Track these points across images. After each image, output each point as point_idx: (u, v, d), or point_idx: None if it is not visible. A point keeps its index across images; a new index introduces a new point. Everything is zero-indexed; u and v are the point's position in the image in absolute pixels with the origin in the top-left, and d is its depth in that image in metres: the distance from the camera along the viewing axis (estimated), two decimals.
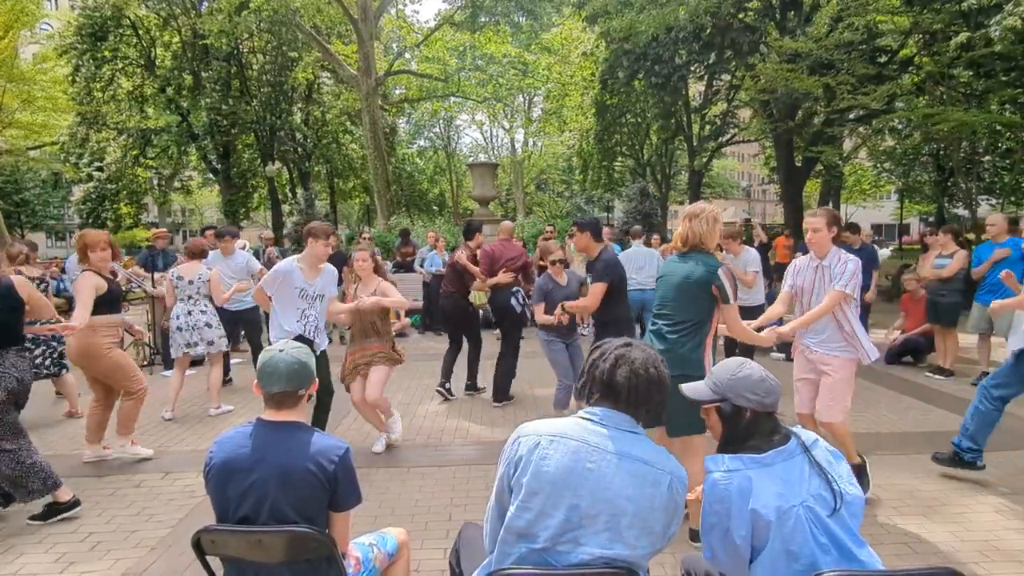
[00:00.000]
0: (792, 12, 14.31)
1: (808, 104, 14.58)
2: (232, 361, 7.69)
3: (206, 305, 5.55)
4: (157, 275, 7.38)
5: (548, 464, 1.54)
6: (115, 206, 25.98)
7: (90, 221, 25.20)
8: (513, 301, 5.67)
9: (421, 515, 3.48)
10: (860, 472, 3.52)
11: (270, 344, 2.01)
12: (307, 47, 21.91)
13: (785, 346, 6.26)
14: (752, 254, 6.15)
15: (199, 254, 5.66)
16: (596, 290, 4.12)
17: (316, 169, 28.42)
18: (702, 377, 3.00)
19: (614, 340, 1.69)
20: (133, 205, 27.15)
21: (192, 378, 6.38)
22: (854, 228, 7.38)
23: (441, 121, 34.50)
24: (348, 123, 27.18)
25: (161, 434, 5.03)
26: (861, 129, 16.80)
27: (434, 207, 35.93)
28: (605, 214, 30.00)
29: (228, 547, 1.77)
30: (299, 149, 26.00)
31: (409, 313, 10.15)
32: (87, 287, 3.87)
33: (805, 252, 3.73)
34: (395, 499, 3.70)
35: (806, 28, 12.51)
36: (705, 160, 22.12)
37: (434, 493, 3.79)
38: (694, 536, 3.09)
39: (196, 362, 6.30)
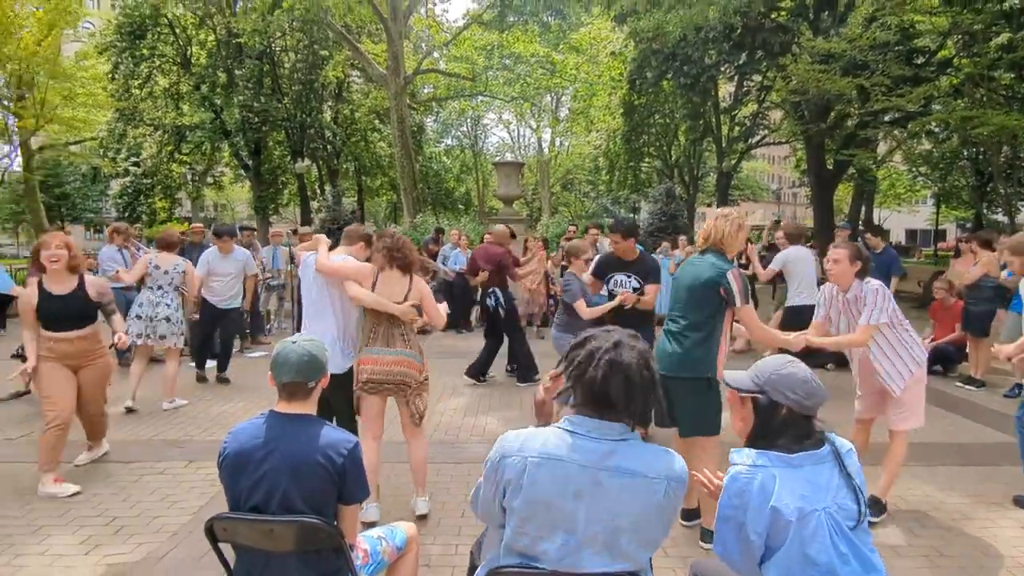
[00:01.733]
0: (826, 12, 14.03)
1: (841, 106, 14.28)
2: (254, 355, 7.87)
3: (172, 299, 5.56)
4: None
5: (538, 491, 1.49)
6: (150, 200, 26.66)
7: (126, 214, 25.93)
8: (489, 300, 6.52)
9: (435, 511, 3.51)
10: (877, 504, 3.39)
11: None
12: (337, 46, 22.19)
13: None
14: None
15: (170, 246, 5.67)
16: (653, 290, 4.38)
17: (345, 166, 28.76)
18: (712, 379, 2.99)
19: (599, 338, 1.58)
20: (167, 199, 27.82)
21: (212, 370, 6.53)
22: (876, 231, 7.24)
23: (468, 120, 34.63)
24: (377, 121, 27.45)
25: (186, 423, 5.16)
26: (896, 132, 16.40)
27: (460, 205, 36.07)
28: (631, 215, 29.78)
29: (239, 535, 1.82)
30: (328, 146, 26.35)
31: None
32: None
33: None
34: (408, 495, 3.74)
35: (840, 28, 12.25)
36: (734, 162, 21.81)
37: (449, 489, 3.83)
38: (706, 536, 3.06)
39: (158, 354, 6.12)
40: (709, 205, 31.91)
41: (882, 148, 20.00)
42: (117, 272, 6.18)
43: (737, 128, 21.25)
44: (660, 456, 1.54)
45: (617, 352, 1.52)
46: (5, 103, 17.38)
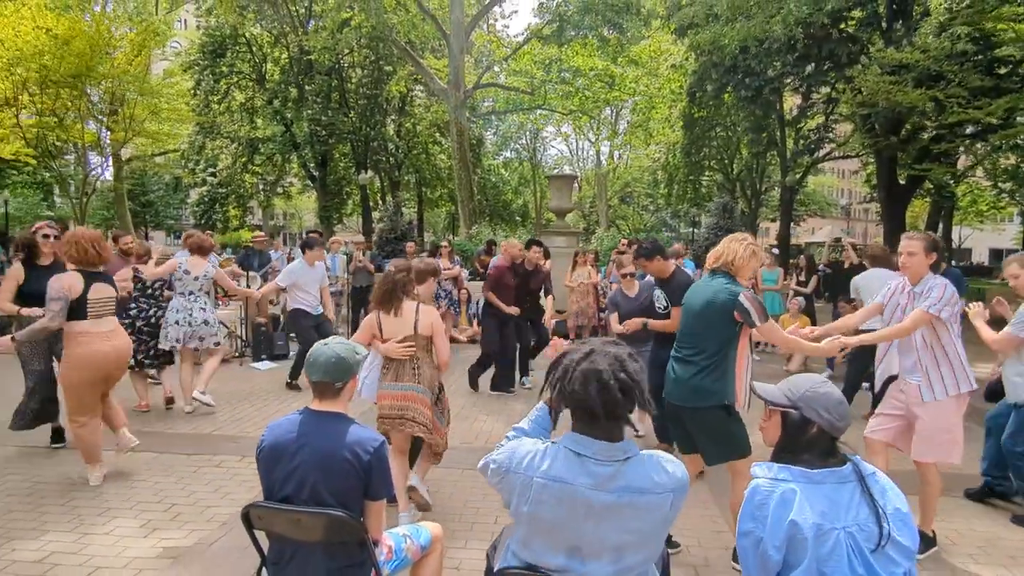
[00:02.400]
0: (899, 21, 13.46)
1: (914, 119, 13.63)
2: None
3: (205, 303, 5.60)
4: (251, 273, 8.01)
5: (544, 511, 1.52)
6: (224, 208, 28.26)
7: (202, 221, 27.60)
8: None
9: (469, 516, 3.59)
10: (924, 538, 3.18)
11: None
12: (401, 61, 22.94)
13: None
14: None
15: (203, 251, 5.67)
16: (677, 313, 4.19)
17: (406, 178, 29.60)
18: (727, 406, 2.91)
19: (572, 352, 1.61)
20: (240, 208, 29.40)
21: (273, 372, 6.84)
22: (945, 249, 6.84)
23: (527, 133, 34.96)
24: (437, 134, 28.15)
25: (243, 422, 5.44)
26: (978, 145, 15.48)
27: (517, 217, 36.39)
28: (691, 229, 29.23)
29: (272, 524, 1.94)
30: (390, 159, 27.20)
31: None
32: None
33: None
34: (446, 498, 3.82)
35: (912, 38, 11.74)
36: (798, 176, 21.09)
37: (485, 495, 3.89)
38: (736, 557, 3.00)
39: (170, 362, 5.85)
40: (773, 220, 30.94)
41: (963, 162, 18.91)
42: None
43: (802, 141, 20.58)
44: (665, 470, 1.57)
45: (589, 360, 1.54)
46: (99, 118, 18.84)
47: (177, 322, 5.42)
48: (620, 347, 1.61)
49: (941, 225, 22.02)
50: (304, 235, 7.56)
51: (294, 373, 6.50)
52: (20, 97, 15.50)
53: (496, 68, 25.07)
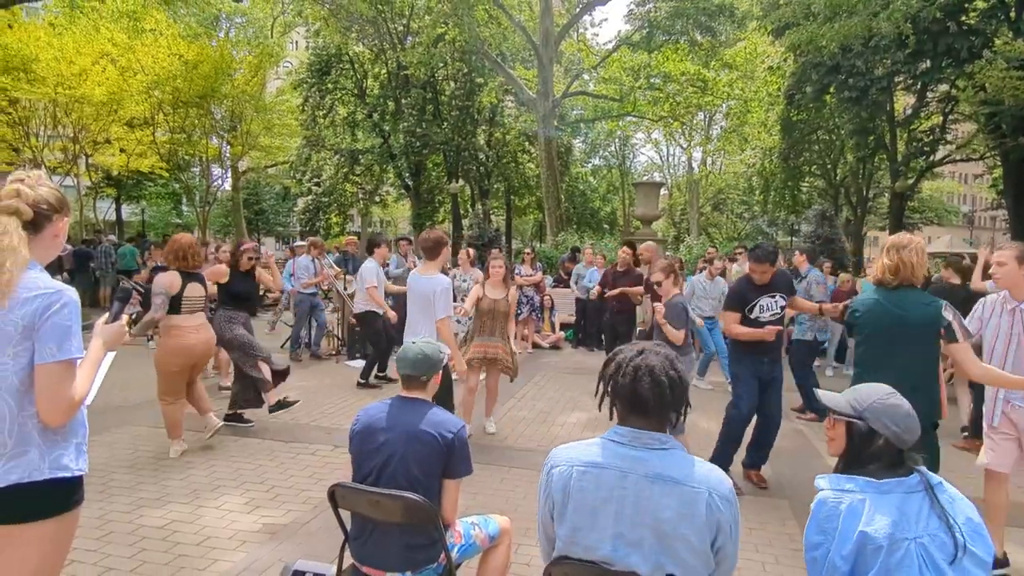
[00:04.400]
0: None
1: None
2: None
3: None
4: (348, 277, 8.56)
5: (585, 497, 1.58)
6: (327, 216, 30.09)
7: (308, 228, 29.55)
8: None
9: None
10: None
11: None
12: (492, 73, 23.52)
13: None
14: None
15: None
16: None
17: (495, 186, 30.22)
18: (937, 424, 2.82)
19: (625, 350, 1.67)
20: (341, 216, 31.20)
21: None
22: None
23: (616, 140, 34.68)
24: (527, 143, 28.57)
25: (337, 414, 5.84)
26: None
27: (605, 225, 36.14)
28: (790, 238, 27.80)
29: (354, 504, 2.15)
30: (480, 168, 27.89)
31: (564, 327, 10.46)
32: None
33: None
34: (520, 498, 3.95)
35: None
36: (911, 181, 19.54)
37: None
38: None
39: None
40: (882, 229, 28.79)
41: None
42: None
43: (915, 144, 19.07)
44: (701, 468, 1.59)
45: (643, 358, 1.61)
46: (221, 134, 20.70)
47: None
48: (665, 347, 1.67)
49: None
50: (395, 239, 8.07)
51: (366, 373, 6.95)
52: (156, 117, 17.37)
53: (585, 76, 25.13)
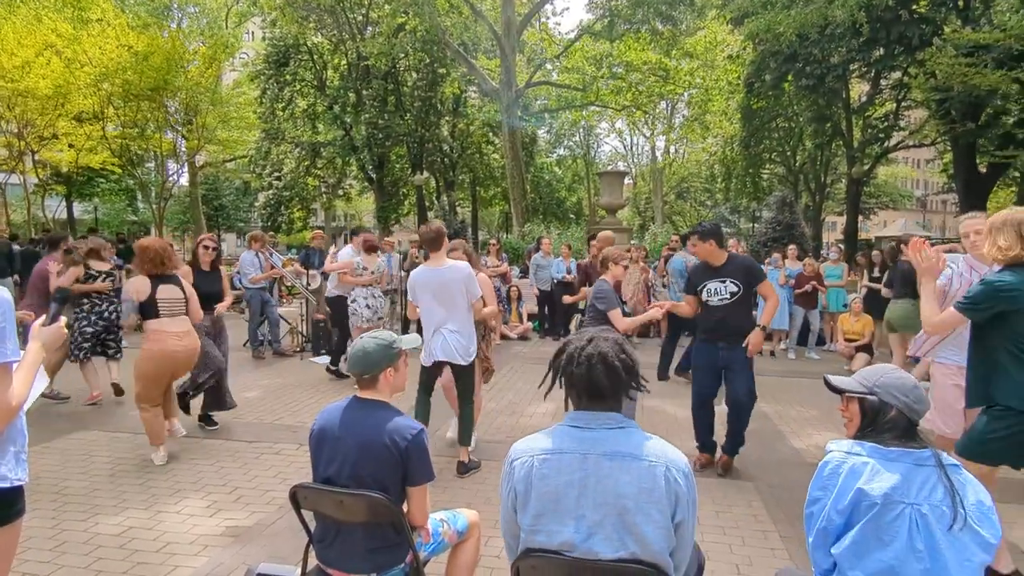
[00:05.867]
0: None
1: (996, 102, 12.78)
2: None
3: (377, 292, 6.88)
4: (312, 272, 8.38)
5: (547, 485, 1.59)
6: (289, 211, 29.48)
7: (269, 223, 28.91)
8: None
9: None
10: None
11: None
12: (454, 63, 23.31)
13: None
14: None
15: (372, 249, 6.96)
16: (768, 288, 4.26)
17: (460, 178, 30.05)
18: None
19: (574, 340, 1.71)
20: (303, 210, 30.60)
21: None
22: None
23: (581, 130, 34.79)
24: (491, 134, 28.44)
25: (301, 412, 5.72)
26: None
27: (571, 215, 36.30)
28: (751, 224, 28.38)
29: (317, 504, 2.09)
30: (445, 159, 27.69)
31: (532, 317, 10.46)
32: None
33: None
34: (491, 491, 3.92)
35: (991, 16, 11.03)
36: (867, 166, 20.11)
37: None
38: None
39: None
40: (840, 214, 29.59)
41: None
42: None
43: (870, 130, 19.61)
44: (657, 443, 1.62)
45: (593, 345, 1.65)
46: (176, 127, 20.03)
47: (368, 306, 6.67)
48: (612, 332, 1.71)
49: None
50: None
51: (335, 361, 7.03)
52: (106, 111, 16.69)
53: (548, 66, 25.08)
